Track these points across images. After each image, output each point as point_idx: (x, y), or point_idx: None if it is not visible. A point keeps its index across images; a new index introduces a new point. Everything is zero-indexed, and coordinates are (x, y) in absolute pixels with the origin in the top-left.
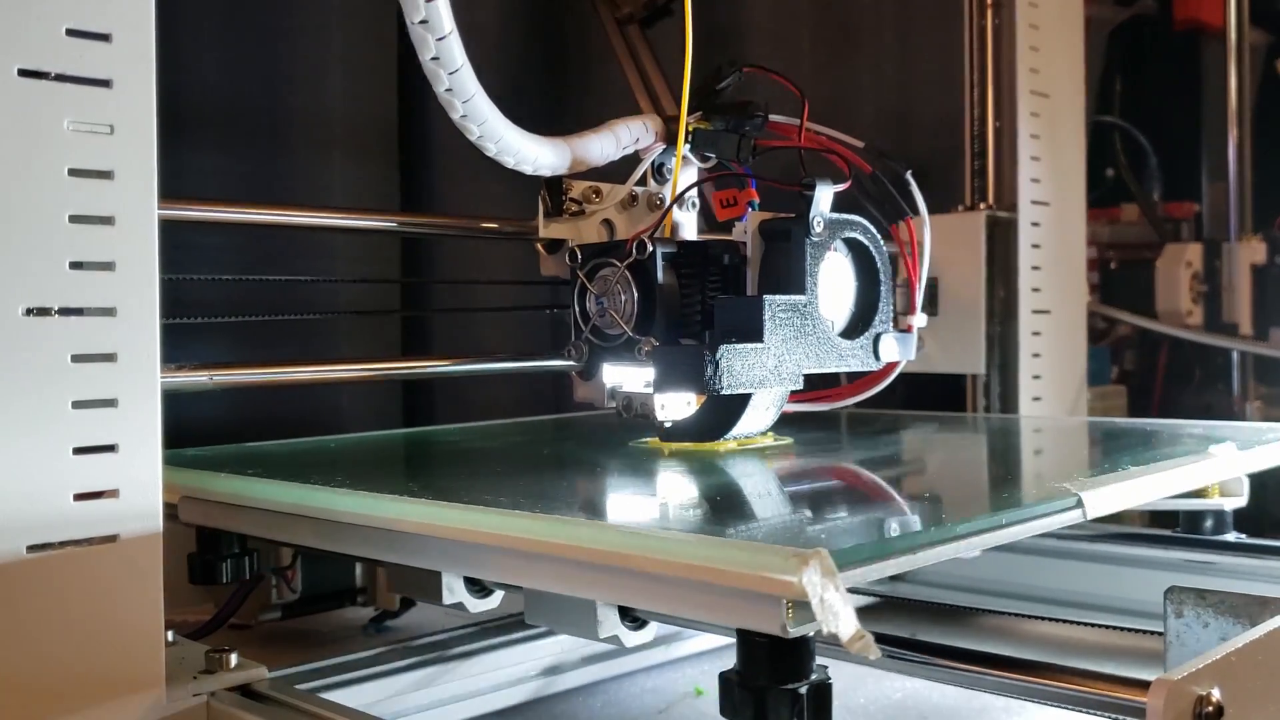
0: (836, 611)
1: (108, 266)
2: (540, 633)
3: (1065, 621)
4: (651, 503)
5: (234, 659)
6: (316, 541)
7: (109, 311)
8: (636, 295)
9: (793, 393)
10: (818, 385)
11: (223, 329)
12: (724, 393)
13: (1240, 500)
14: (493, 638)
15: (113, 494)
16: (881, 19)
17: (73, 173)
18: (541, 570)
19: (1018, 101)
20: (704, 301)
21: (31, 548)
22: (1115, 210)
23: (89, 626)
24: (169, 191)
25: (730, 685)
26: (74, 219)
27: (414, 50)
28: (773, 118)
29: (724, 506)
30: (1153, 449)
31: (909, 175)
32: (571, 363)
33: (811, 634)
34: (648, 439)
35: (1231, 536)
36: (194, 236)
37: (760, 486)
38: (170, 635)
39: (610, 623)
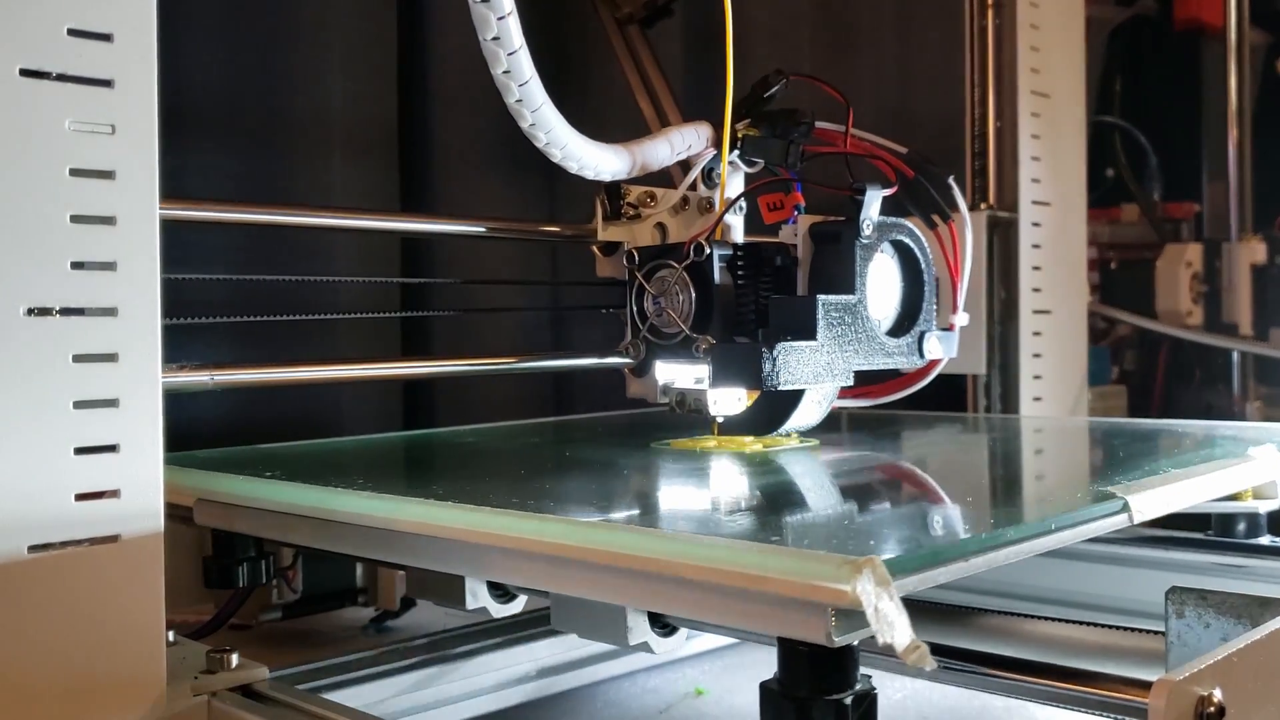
0: (892, 621)
1: (109, 266)
2: (540, 633)
3: (1066, 621)
4: (685, 506)
5: (235, 659)
6: (340, 546)
7: (110, 311)
8: (694, 295)
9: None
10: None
11: (223, 329)
12: (781, 388)
13: (1275, 503)
14: (493, 638)
15: (114, 494)
16: (881, 19)
17: (74, 173)
18: (571, 576)
19: (1018, 101)
20: (757, 301)
21: (33, 548)
22: (1115, 210)
23: (90, 627)
24: (169, 191)
25: (772, 695)
26: (75, 219)
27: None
28: (818, 124)
29: (762, 510)
30: (1187, 451)
31: (951, 180)
32: (628, 360)
33: (855, 643)
34: (670, 440)
35: (1265, 540)
36: (195, 236)
37: (794, 490)
38: (171, 635)
39: (640, 629)
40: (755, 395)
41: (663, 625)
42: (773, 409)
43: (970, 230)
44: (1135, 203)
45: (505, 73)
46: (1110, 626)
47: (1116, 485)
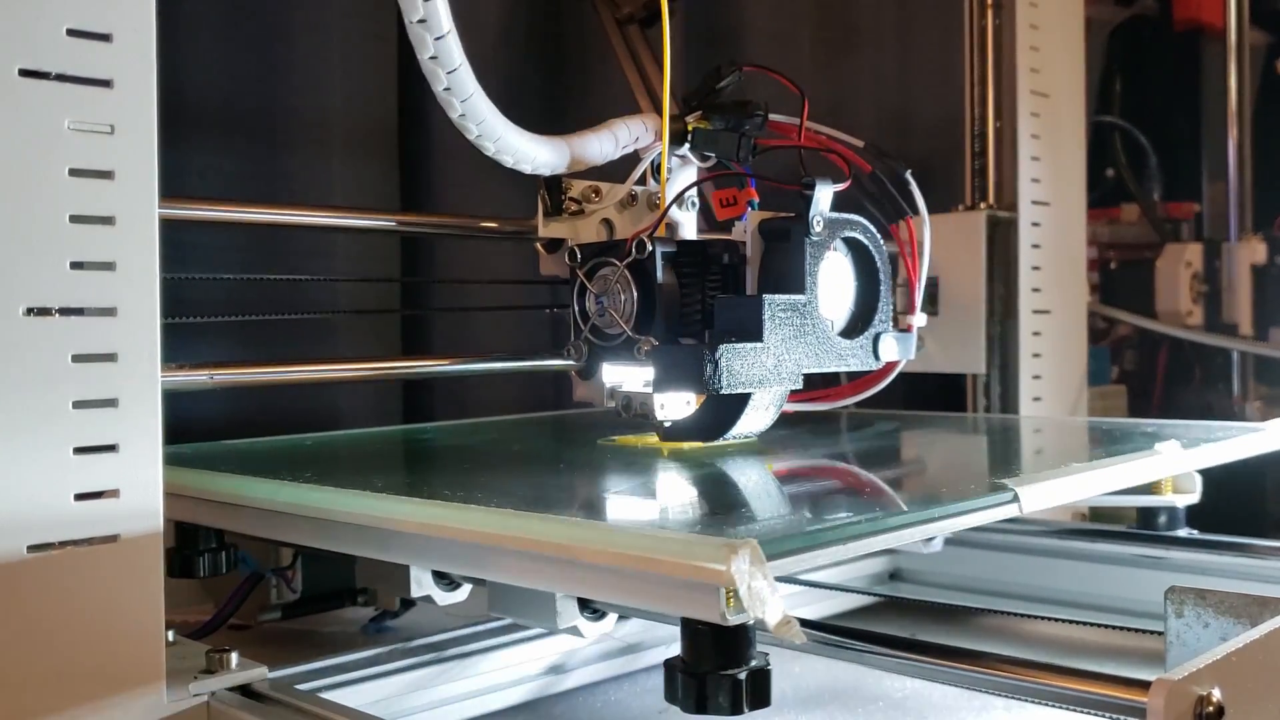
0: (764, 599)
1: (108, 266)
2: (540, 632)
3: (1065, 621)
4: (605, 497)
5: (234, 659)
6: (287, 536)
7: (109, 311)
8: (636, 295)
9: (792, 392)
10: (818, 385)
11: (223, 328)
12: (723, 392)
13: (1193, 497)
14: (493, 638)
15: (113, 494)
16: (881, 19)
17: (73, 173)
18: (500, 562)
19: (1018, 101)
20: (704, 301)
21: (32, 548)
22: (1115, 210)
23: (89, 626)
24: (169, 191)
25: (673, 672)
26: (74, 219)
27: (414, 49)
28: (772, 117)
29: (674, 500)
30: (1103, 446)
31: (908, 175)
32: (571, 362)
33: (751, 622)
34: (616, 436)
35: (1183, 532)
36: (194, 236)
37: (712, 482)
38: (170, 635)
39: (569, 613)
40: (703, 399)
41: (592, 610)
42: (718, 414)
43: (929, 228)
44: (1135, 203)
45: (432, 58)
46: (1110, 626)
47: (1011, 477)
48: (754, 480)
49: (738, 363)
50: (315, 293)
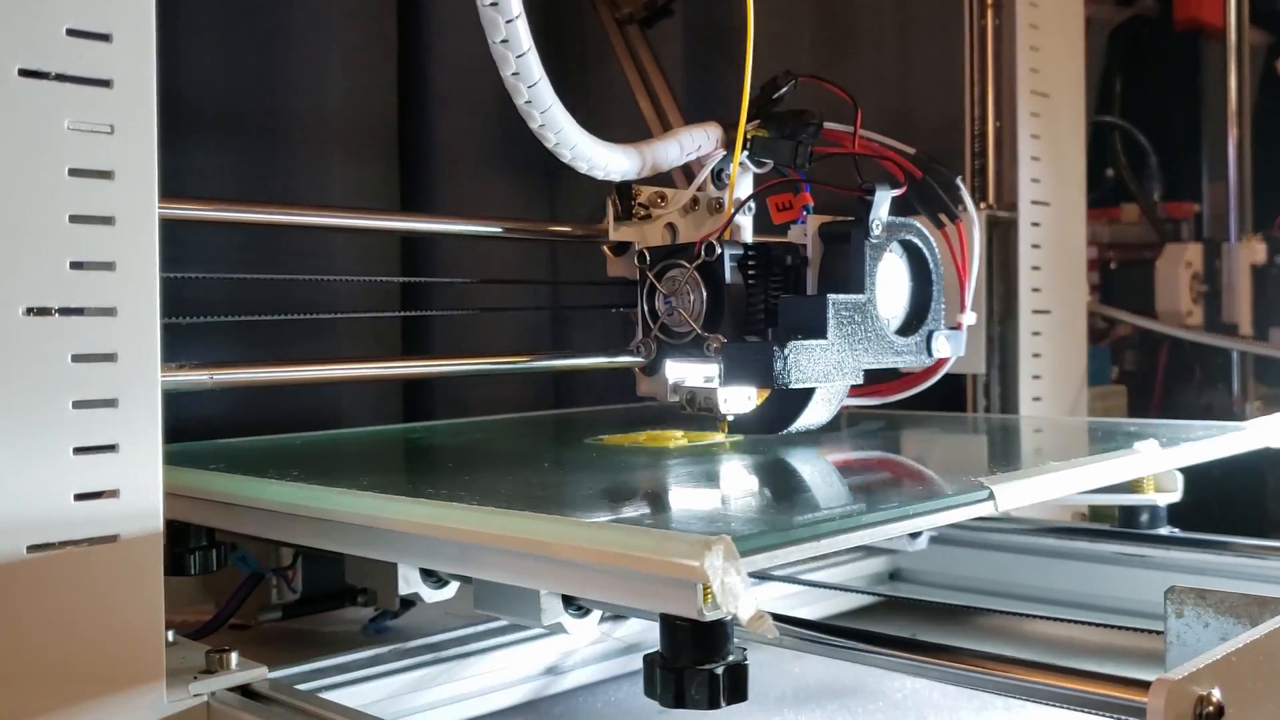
0: (737, 594)
1: (108, 266)
2: (540, 633)
3: (1065, 621)
4: (588, 495)
5: (234, 659)
6: (275, 533)
7: (109, 311)
8: (705, 295)
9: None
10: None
11: (223, 328)
12: (792, 386)
13: (1174, 495)
14: (493, 638)
15: (113, 494)
16: (881, 19)
17: (73, 173)
18: (484, 559)
19: (1018, 101)
20: (767, 301)
21: (32, 548)
22: (1115, 210)
23: (89, 626)
24: (168, 191)
25: (652, 667)
26: (74, 219)
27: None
28: (826, 125)
29: (652, 498)
30: (1096, 445)
31: (959, 180)
32: (639, 359)
33: (728, 617)
34: (602, 436)
35: (1165, 531)
36: (194, 235)
37: (692, 480)
38: (170, 635)
39: (553, 610)
40: (765, 394)
41: (577, 607)
42: (782, 408)
43: (979, 230)
44: (1135, 203)
45: (514, 74)
46: (1110, 626)
47: (987, 475)
48: (731, 480)
49: (805, 358)
50: (316, 293)
